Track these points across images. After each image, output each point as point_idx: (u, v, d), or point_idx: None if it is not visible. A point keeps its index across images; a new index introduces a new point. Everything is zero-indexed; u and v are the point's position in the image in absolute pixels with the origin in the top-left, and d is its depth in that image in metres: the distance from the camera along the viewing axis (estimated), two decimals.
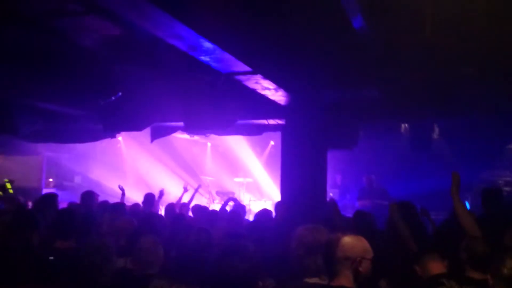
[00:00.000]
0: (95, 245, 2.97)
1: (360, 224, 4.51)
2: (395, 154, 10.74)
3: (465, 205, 4.11)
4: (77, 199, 8.57)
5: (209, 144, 13.41)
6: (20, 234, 3.58)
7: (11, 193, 4.88)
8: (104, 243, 3.05)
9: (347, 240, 2.47)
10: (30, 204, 7.21)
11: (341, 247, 2.44)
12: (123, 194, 7.15)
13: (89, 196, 6.35)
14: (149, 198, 7.14)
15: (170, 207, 6.69)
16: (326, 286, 2.47)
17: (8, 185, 4.72)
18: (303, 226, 2.94)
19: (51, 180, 11.11)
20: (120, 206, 5.91)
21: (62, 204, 6.79)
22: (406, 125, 9.27)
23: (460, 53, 5.68)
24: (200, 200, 10.78)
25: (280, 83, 5.96)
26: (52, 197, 5.87)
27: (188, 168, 12.76)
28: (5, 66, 6.47)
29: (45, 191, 10.01)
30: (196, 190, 8.08)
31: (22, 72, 7.00)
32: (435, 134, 9.66)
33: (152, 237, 3.58)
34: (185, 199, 7.70)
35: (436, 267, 3.23)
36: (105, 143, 11.50)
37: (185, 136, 10.98)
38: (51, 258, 3.66)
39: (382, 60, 5.95)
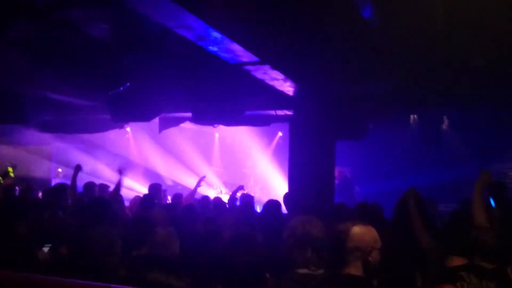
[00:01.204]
0: (101, 232, 2.98)
1: (365, 214, 4.50)
2: (404, 146, 10.70)
3: (482, 198, 4.05)
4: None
5: (217, 134, 13.43)
6: (4, 222, 3.59)
7: (11, 177, 4.90)
8: (109, 230, 3.06)
9: (358, 230, 2.49)
10: (39, 193, 7.29)
11: (351, 237, 2.46)
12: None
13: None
14: (155, 189, 7.16)
15: (177, 197, 6.73)
16: (335, 275, 2.48)
17: (10, 169, 4.74)
18: (296, 217, 2.93)
19: (60, 170, 11.20)
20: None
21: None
22: (416, 117, 9.22)
23: (471, 44, 5.61)
24: (208, 191, 10.83)
25: (288, 74, 5.93)
26: (63, 187, 5.92)
27: (195, 159, 12.79)
28: (15, 57, 6.51)
29: (54, 181, 10.10)
30: (200, 181, 8.13)
31: (32, 63, 7.04)
32: (445, 126, 9.61)
33: (169, 229, 3.59)
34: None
35: (455, 258, 3.19)
36: (113, 133, 11.58)
37: (193, 126, 10.99)
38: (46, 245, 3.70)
39: (391, 52, 5.90)
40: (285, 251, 2.79)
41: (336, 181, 11.30)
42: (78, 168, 5.99)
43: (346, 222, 2.56)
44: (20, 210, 3.84)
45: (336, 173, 11.56)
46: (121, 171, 5.98)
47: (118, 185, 5.88)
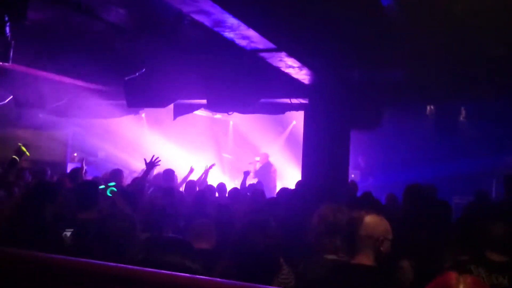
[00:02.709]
0: (121, 215, 3.01)
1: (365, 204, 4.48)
2: (419, 136, 10.59)
3: None
4: (100, 174, 8.75)
5: (231, 122, 13.43)
6: (31, 206, 3.62)
7: (28, 157, 4.92)
8: (128, 214, 3.09)
9: (371, 219, 2.49)
10: (55, 177, 7.39)
11: (364, 226, 2.46)
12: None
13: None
14: (169, 174, 7.22)
15: (190, 184, 6.76)
16: (346, 263, 2.49)
17: (23, 148, 4.75)
18: (327, 205, 2.95)
19: (75, 154, 11.31)
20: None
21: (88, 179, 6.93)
22: (432, 107, 9.11)
23: (490, 34, 5.50)
24: (222, 178, 10.87)
25: (304, 61, 5.89)
26: (79, 171, 5.98)
27: (209, 146, 12.82)
28: (32, 42, 6.56)
29: (70, 165, 10.21)
30: (209, 168, 8.20)
31: (49, 48, 7.09)
32: (462, 117, 9.48)
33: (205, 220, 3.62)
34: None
35: (465, 252, 3.16)
36: (128, 119, 11.64)
37: (208, 114, 11.01)
38: (69, 230, 3.74)
39: (409, 40, 5.81)
40: (313, 238, 2.82)
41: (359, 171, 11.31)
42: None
43: (359, 211, 2.56)
44: (48, 193, 3.88)
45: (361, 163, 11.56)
46: (151, 163, 5.99)
47: (145, 175, 5.91)
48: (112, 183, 5.86)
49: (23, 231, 3.29)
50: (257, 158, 12.03)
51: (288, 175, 12.09)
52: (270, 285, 2.43)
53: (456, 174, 9.76)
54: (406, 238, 3.71)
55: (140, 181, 5.85)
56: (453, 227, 3.93)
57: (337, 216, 2.84)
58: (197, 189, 7.02)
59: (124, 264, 1.48)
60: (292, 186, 6.62)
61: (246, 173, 7.92)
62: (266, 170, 11.09)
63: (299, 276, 2.68)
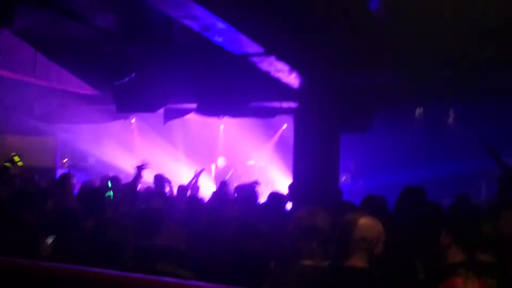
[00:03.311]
0: (113, 223, 2.99)
1: (370, 207, 4.49)
2: (409, 138, 10.65)
3: None
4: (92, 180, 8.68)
5: (221, 127, 13.42)
6: (12, 211, 3.59)
7: (21, 166, 4.89)
8: (121, 221, 3.07)
9: (365, 221, 2.49)
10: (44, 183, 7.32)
11: (358, 228, 2.46)
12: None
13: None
14: (160, 179, 7.19)
15: (182, 189, 6.74)
16: (335, 266, 2.48)
17: (17, 158, 4.72)
18: (302, 209, 2.91)
19: (65, 160, 11.24)
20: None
21: (77, 185, 6.88)
22: (421, 110, 9.18)
23: (479, 36, 5.56)
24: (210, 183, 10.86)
25: (293, 65, 5.91)
26: (67, 176, 5.94)
27: (200, 151, 12.80)
28: (20, 47, 6.53)
29: (59, 171, 10.13)
30: (199, 173, 8.20)
31: (37, 53, 7.05)
32: (450, 119, 9.56)
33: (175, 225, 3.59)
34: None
35: (455, 254, 3.15)
36: (118, 124, 11.59)
37: (198, 118, 10.98)
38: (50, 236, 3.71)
39: (398, 44, 5.86)
40: (290, 242, 2.78)
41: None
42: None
43: (353, 213, 2.56)
44: (27, 198, 3.84)
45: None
46: (140, 167, 5.96)
47: (136, 180, 5.87)
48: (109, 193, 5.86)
49: (1, 237, 3.26)
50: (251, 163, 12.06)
51: (278, 178, 12.10)
52: None
53: (445, 176, 9.83)
54: (401, 241, 3.72)
55: (131, 186, 5.82)
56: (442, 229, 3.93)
57: (311, 219, 2.79)
58: (188, 193, 7.00)
59: (115, 271, 1.47)
60: (281, 189, 6.61)
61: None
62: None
63: (276, 283, 2.63)
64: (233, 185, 7.49)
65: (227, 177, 8.06)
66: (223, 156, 11.75)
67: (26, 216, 3.59)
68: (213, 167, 11.10)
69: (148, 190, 6.66)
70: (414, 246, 3.79)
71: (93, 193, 4.49)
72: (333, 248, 2.67)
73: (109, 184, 6.21)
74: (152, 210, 4.11)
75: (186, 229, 3.79)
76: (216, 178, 10.45)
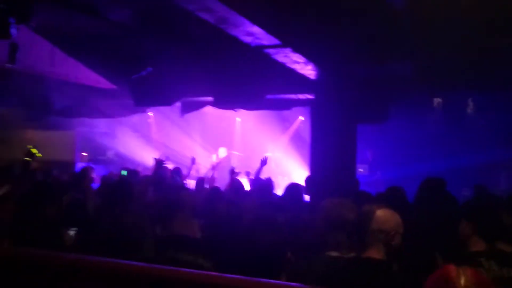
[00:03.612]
0: (133, 214, 3.03)
1: (392, 198, 4.46)
2: (427, 129, 10.53)
3: None
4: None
5: (238, 119, 13.44)
6: (33, 205, 3.65)
7: (39, 157, 4.98)
8: (140, 212, 3.11)
9: (382, 213, 2.48)
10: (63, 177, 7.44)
11: (375, 220, 2.45)
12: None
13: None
14: (176, 171, 7.27)
15: (200, 181, 6.79)
16: (355, 258, 2.48)
17: (34, 150, 4.81)
18: (330, 200, 2.91)
19: (84, 154, 11.38)
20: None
21: (96, 178, 6.98)
22: (439, 99, 9.06)
23: (498, 23, 5.45)
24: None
25: (309, 57, 5.88)
26: (87, 169, 6.03)
27: (217, 143, 12.85)
28: (38, 44, 6.62)
29: (79, 165, 10.28)
30: (216, 165, 8.23)
31: (55, 49, 7.15)
32: (469, 109, 9.42)
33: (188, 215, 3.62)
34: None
35: (476, 243, 3.12)
36: (136, 118, 11.70)
37: (214, 111, 11.02)
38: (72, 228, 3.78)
39: (415, 32, 5.78)
40: (316, 233, 2.79)
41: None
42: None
43: (371, 204, 2.55)
44: (50, 192, 3.90)
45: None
46: (159, 160, 6.01)
47: (155, 172, 5.93)
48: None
49: (25, 229, 3.32)
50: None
51: (294, 170, 12.10)
52: (278, 280, 2.44)
53: (464, 166, 9.70)
54: (417, 232, 3.69)
55: (150, 178, 5.88)
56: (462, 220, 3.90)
57: (340, 211, 2.80)
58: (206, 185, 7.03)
59: (137, 261, 1.50)
60: (297, 181, 6.60)
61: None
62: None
63: (303, 274, 2.65)
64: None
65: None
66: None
67: (48, 209, 3.66)
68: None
69: (165, 182, 6.73)
70: (434, 238, 3.77)
71: (114, 186, 4.55)
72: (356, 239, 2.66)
73: (123, 173, 6.26)
74: (170, 202, 4.16)
75: (203, 219, 3.83)
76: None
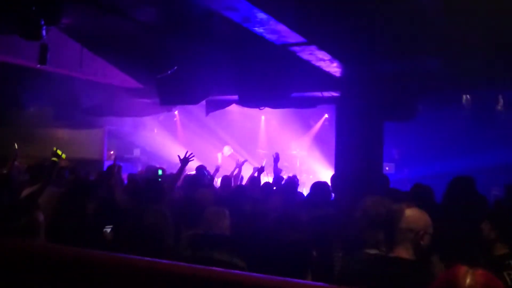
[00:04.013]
0: (153, 210, 3.07)
1: (418, 197, 4.40)
2: (455, 126, 10.32)
3: None
4: (136, 171, 8.93)
5: (263, 117, 13.46)
6: (74, 203, 3.72)
7: (64, 159, 5.09)
8: (161, 208, 3.15)
9: (412, 212, 2.45)
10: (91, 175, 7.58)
11: (405, 219, 2.43)
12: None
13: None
14: (202, 170, 7.30)
15: (226, 179, 6.82)
16: (384, 256, 2.46)
17: (59, 152, 4.92)
18: (369, 198, 2.91)
19: (112, 152, 11.58)
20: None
21: (123, 176, 7.09)
22: (468, 96, 8.85)
23: None
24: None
25: (335, 54, 5.83)
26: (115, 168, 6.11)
27: (242, 142, 12.90)
28: (69, 44, 6.75)
29: (106, 163, 10.46)
30: (242, 164, 8.23)
31: (83, 50, 7.28)
32: (499, 106, 9.18)
33: (220, 208, 3.65)
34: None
35: (501, 247, 3.07)
36: (162, 116, 11.83)
37: (239, 109, 11.06)
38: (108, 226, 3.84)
39: (443, 28, 5.66)
40: (355, 232, 2.78)
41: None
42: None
43: (400, 203, 2.52)
44: (90, 190, 3.99)
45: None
46: (185, 159, 6.06)
47: (180, 171, 5.98)
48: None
49: (66, 228, 3.39)
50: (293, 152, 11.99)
51: (319, 168, 12.04)
52: (304, 279, 2.43)
53: (494, 165, 9.48)
54: (444, 232, 3.63)
55: (175, 177, 5.94)
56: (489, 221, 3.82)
57: (378, 209, 2.79)
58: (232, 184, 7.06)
59: (172, 260, 1.50)
60: (322, 179, 6.57)
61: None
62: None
63: (340, 271, 2.65)
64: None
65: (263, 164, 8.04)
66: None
67: (88, 207, 3.73)
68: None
69: (191, 180, 6.79)
70: (460, 239, 3.70)
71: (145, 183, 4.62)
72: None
73: (160, 173, 6.32)
74: (195, 200, 4.20)
75: (229, 218, 3.85)
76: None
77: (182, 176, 6.09)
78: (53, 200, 3.81)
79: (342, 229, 3.20)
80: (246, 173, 8.06)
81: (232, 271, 1.35)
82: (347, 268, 2.71)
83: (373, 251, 2.65)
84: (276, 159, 7.60)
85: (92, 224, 3.67)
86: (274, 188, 6.44)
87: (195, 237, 3.18)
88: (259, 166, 7.21)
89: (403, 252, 2.39)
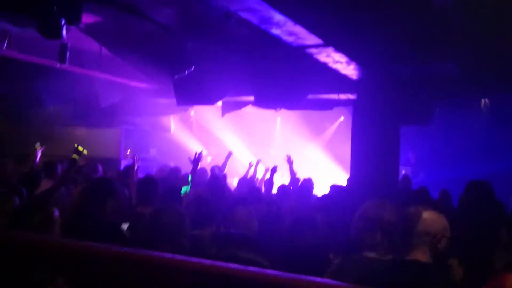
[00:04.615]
0: (170, 209, 3.10)
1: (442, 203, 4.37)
2: (473, 131, 10.20)
3: None
4: (152, 171, 9.01)
5: (278, 118, 13.46)
6: (95, 200, 3.76)
7: (85, 154, 5.14)
8: (178, 208, 3.17)
9: (429, 215, 2.44)
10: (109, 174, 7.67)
11: (422, 222, 2.41)
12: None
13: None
14: (215, 171, 7.38)
15: (242, 181, 6.86)
16: (401, 260, 2.44)
17: (80, 148, 4.97)
18: (369, 200, 2.90)
19: (128, 151, 11.68)
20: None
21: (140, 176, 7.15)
22: (487, 100, 8.75)
23: None
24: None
25: (352, 56, 5.81)
26: (130, 168, 6.18)
27: (257, 142, 12.91)
28: (88, 43, 6.84)
29: (123, 162, 10.56)
30: (256, 165, 8.26)
31: (102, 49, 7.37)
32: None
33: (247, 208, 3.68)
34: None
35: None
36: (178, 116, 11.91)
37: (255, 110, 11.07)
38: (125, 223, 3.88)
39: (461, 32, 5.60)
40: (354, 233, 2.78)
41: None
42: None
43: (417, 206, 2.51)
44: (111, 187, 4.03)
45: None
46: (195, 160, 6.09)
47: (193, 171, 6.02)
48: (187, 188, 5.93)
49: (87, 225, 3.43)
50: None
51: (334, 170, 12.00)
52: None
53: None
54: (461, 236, 3.60)
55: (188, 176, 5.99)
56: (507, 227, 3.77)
57: (377, 211, 2.77)
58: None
59: (197, 257, 1.50)
60: (337, 182, 6.56)
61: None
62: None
63: (337, 273, 2.64)
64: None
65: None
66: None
67: (109, 204, 3.77)
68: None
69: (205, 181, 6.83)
70: (481, 242, 3.66)
71: (149, 182, 4.65)
72: (399, 241, 2.63)
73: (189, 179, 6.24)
74: (207, 200, 4.23)
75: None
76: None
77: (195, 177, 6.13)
78: (76, 196, 3.86)
79: (343, 233, 3.19)
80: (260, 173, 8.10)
81: (263, 269, 1.35)
82: (345, 271, 2.68)
83: (370, 254, 2.63)
84: (289, 161, 7.59)
85: (112, 222, 3.71)
86: (291, 188, 6.45)
87: (218, 235, 3.21)
88: (272, 167, 7.21)
89: (420, 255, 2.38)
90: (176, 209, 3.17)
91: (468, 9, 5.13)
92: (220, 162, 8.47)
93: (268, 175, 7.12)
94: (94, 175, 6.88)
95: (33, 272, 1.52)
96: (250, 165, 8.34)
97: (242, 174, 8.21)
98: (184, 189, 5.67)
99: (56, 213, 2.98)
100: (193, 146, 12.26)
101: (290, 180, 7.27)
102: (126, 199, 4.71)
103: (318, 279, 1.32)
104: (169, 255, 1.42)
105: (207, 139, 12.92)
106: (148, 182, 4.61)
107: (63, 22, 4.81)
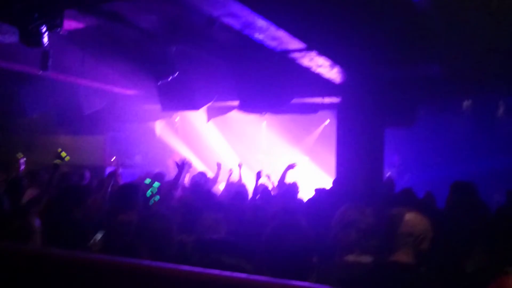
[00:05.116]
0: (158, 215, 3.08)
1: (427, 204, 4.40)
2: (457, 132, 10.33)
3: None
4: (137, 177, 8.94)
5: (264, 122, 13.47)
6: (63, 207, 3.73)
7: (68, 161, 5.06)
8: (165, 214, 3.15)
9: (412, 216, 2.45)
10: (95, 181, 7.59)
11: (405, 223, 2.43)
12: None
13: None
14: (200, 176, 7.35)
15: (229, 186, 6.85)
16: (383, 262, 2.45)
17: (63, 154, 4.89)
18: (346, 204, 2.93)
19: (113, 159, 11.58)
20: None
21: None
22: (469, 101, 8.87)
23: None
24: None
25: (335, 60, 5.85)
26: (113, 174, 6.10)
27: (243, 147, 12.90)
28: (69, 50, 6.78)
29: (108, 169, 10.46)
30: (239, 168, 8.24)
31: (85, 56, 7.32)
32: (500, 112, 9.19)
33: (213, 214, 3.66)
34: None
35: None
36: (164, 122, 11.85)
37: (240, 115, 11.06)
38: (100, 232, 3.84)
39: (443, 34, 5.68)
40: (333, 237, 2.81)
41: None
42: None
43: (400, 208, 2.53)
44: (77, 195, 3.99)
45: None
46: (181, 165, 6.05)
47: (177, 177, 5.96)
48: (157, 184, 5.91)
49: (52, 231, 3.39)
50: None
51: (319, 174, 12.03)
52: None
53: (495, 171, 9.47)
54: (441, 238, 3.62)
55: (172, 183, 5.93)
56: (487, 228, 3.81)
57: (348, 211, 2.81)
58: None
59: (179, 264, 1.48)
60: (323, 185, 6.56)
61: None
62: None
63: (320, 277, 2.65)
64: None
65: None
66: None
67: (74, 212, 3.74)
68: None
69: (189, 186, 6.80)
70: (463, 244, 3.70)
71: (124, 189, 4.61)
72: (378, 243, 2.65)
73: (148, 181, 6.23)
74: (192, 206, 4.20)
75: (229, 224, 3.85)
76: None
77: (180, 183, 6.08)
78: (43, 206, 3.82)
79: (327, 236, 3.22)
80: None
81: (244, 274, 1.34)
82: (326, 275, 2.69)
83: (351, 258, 2.65)
84: (291, 167, 7.49)
85: (79, 230, 3.67)
86: (275, 193, 6.45)
87: (200, 241, 3.19)
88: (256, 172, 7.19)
89: (403, 257, 2.39)
90: (162, 215, 3.15)
91: (448, 13, 5.21)
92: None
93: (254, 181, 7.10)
94: (81, 183, 6.81)
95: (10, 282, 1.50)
96: (231, 171, 8.27)
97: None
98: (149, 192, 5.63)
99: (37, 222, 2.93)
100: (180, 151, 12.20)
101: (277, 185, 7.27)
102: (103, 207, 4.65)
103: (302, 283, 1.32)
104: (148, 262, 1.41)
105: (193, 144, 12.87)
106: (128, 188, 4.55)
107: (44, 29, 4.75)
